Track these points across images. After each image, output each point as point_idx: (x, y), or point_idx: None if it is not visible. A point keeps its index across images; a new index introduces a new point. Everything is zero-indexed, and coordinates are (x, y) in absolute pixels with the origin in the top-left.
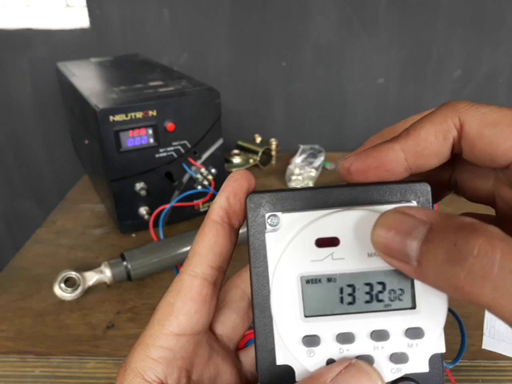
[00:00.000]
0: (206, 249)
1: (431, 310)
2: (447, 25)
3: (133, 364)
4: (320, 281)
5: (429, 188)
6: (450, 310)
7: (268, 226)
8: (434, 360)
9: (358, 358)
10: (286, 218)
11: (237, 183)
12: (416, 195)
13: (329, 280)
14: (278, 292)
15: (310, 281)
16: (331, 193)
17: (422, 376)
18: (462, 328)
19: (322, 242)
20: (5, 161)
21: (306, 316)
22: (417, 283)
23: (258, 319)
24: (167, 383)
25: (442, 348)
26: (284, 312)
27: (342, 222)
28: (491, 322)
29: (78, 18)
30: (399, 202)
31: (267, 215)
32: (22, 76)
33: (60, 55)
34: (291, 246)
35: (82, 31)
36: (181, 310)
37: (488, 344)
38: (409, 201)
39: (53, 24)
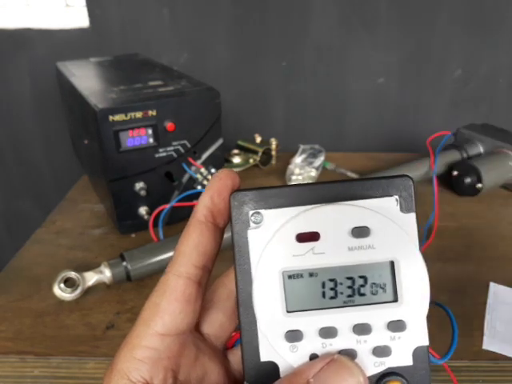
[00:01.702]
0: (189, 248)
1: (413, 303)
2: (447, 25)
3: (119, 365)
4: (302, 276)
5: (411, 182)
6: (440, 306)
7: (251, 224)
8: (419, 353)
9: (341, 352)
10: (268, 214)
11: (221, 182)
12: (398, 189)
13: (310, 275)
14: (261, 288)
15: (291, 276)
16: (314, 189)
17: (407, 369)
18: (452, 323)
19: (303, 237)
20: (5, 161)
21: (288, 311)
22: (399, 276)
23: (243, 316)
24: (153, 383)
25: (425, 341)
26: (266, 308)
27: (322, 216)
28: (492, 322)
29: (78, 18)
30: (381, 196)
31: (251, 213)
32: (21, 76)
33: (60, 55)
34: (273, 241)
35: (81, 31)
36: (166, 310)
37: (489, 344)
38: (391, 195)
39: (52, 24)
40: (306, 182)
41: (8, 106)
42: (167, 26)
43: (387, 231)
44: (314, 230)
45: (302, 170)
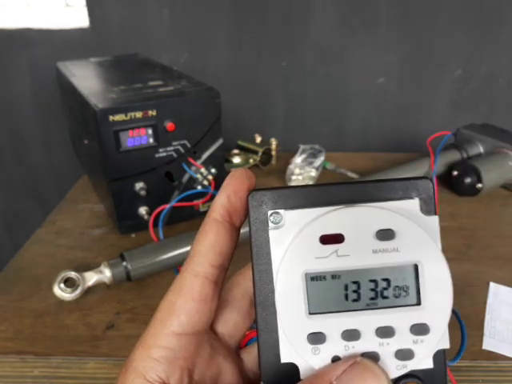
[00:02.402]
0: (206, 248)
1: (436, 307)
2: (447, 25)
3: (134, 364)
4: (325, 278)
5: (431, 184)
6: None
7: (270, 224)
8: (438, 356)
9: (364, 355)
10: (289, 215)
11: (237, 181)
12: (418, 192)
13: (333, 277)
14: (283, 289)
15: (314, 278)
16: (334, 190)
17: (427, 372)
18: (462, 327)
19: (327, 239)
20: (5, 161)
21: (310, 313)
22: (422, 280)
23: (260, 317)
24: (169, 383)
25: (446, 344)
26: (289, 309)
27: (346, 218)
28: (492, 322)
29: (78, 18)
30: (402, 198)
31: (269, 213)
32: (22, 76)
33: (60, 55)
34: (295, 243)
35: (81, 31)
36: (182, 309)
37: (488, 344)
38: (411, 197)
39: (52, 24)
40: (306, 182)
41: (8, 106)
42: (167, 25)
43: (411, 234)
44: (339, 232)
45: (302, 170)
